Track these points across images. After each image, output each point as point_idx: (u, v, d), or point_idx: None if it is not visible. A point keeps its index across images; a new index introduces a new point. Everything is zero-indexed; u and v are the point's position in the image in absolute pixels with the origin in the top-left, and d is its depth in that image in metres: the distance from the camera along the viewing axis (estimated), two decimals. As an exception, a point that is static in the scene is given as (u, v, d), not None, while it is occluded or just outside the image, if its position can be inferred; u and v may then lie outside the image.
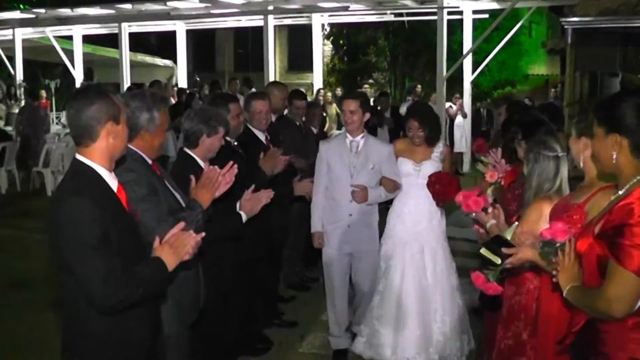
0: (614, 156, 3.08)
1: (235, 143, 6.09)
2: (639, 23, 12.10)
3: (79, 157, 3.37)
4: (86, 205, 3.18)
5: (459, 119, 18.82)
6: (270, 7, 17.99)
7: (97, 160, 3.36)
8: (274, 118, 7.64)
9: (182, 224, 3.57)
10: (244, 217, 4.89)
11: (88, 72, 23.67)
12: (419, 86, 19.92)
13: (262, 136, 6.79)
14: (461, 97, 18.72)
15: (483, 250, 3.59)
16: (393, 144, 6.78)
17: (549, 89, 22.68)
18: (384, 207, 6.89)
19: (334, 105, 17.81)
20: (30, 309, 7.97)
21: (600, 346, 3.09)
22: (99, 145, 3.34)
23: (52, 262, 3.36)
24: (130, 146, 4.01)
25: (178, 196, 4.40)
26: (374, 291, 6.47)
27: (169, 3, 18.42)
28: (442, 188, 6.03)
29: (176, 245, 3.46)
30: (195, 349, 4.86)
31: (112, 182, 3.42)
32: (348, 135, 6.39)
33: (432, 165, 6.41)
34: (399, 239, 6.46)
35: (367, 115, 6.41)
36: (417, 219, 6.45)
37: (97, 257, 3.16)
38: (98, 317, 3.30)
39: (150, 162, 4.28)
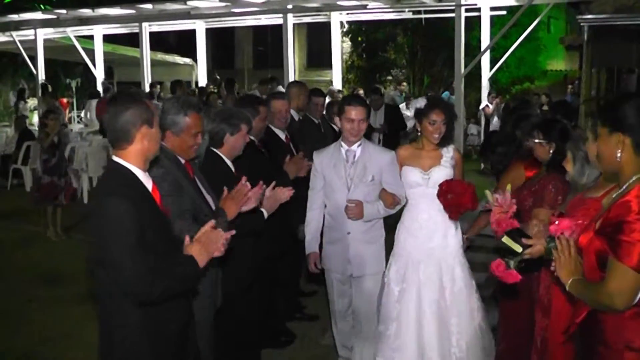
0: (618, 154, 3.25)
1: (257, 143, 6.24)
2: (655, 20, 12.14)
3: (115, 158, 3.57)
4: (124, 204, 3.36)
5: (495, 119, 18.32)
6: (290, 6, 18.14)
7: (132, 161, 3.55)
8: (297, 116, 7.81)
9: (212, 222, 3.75)
10: (265, 214, 5.03)
11: (108, 71, 23.91)
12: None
13: (282, 135, 6.95)
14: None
15: (505, 239, 3.79)
16: (395, 151, 5.90)
17: (568, 84, 22.73)
18: (394, 222, 6.08)
19: None
20: (58, 304, 8.19)
21: (600, 334, 3.27)
22: (134, 148, 3.54)
23: (91, 257, 3.55)
24: (164, 144, 4.23)
25: (209, 199, 4.63)
26: (373, 316, 5.88)
27: (189, 2, 18.56)
28: (455, 198, 5.44)
29: (206, 243, 3.65)
30: (219, 343, 5.05)
31: (147, 182, 3.62)
32: (343, 143, 5.73)
33: (442, 171, 5.71)
34: (411, 257, 5.77)
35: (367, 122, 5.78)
36: (430, 234, 5.74)
37: (135, 254, 3.35)
38: (134, 309, 3.49)
39: (183, 161, 4.50)
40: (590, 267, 3.30)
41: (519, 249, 3.73)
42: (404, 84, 22.66)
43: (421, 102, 5.76)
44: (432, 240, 5.73)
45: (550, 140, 5.21)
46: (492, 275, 3.90)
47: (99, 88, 21.64)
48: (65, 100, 23.30)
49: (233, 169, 5.21)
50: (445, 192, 5.47)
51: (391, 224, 6.02)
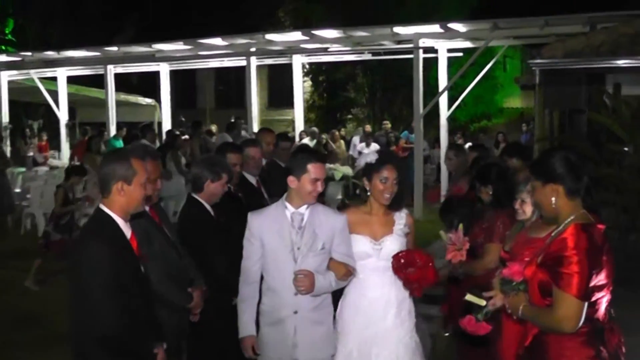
0: (553, 201, 3.80)
1: (233, 189, 6.51)
2: (601, 64, 12.77)
3: (101, 205, 3.97)
4: (102, 248, 3.77)
5: None
6: (253, 49, 18.59)
7: (114, 210, 3.95)
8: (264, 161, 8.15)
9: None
10: None
11: (70, 112, 24.05)
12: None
13: (253, 180, 7.26)
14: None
15: (468, 297, 4.12)
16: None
17: (523, 123, 23.39)
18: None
19: (342, 142, 18.57)
20: (37, 346, 8.26)
21: (545, 354, 3.76)
22: (112, 199, 3.94)
23: (69, 292, 3.93)
24: None
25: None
26: None
27: (154, 45, 18.96)
28: (418, 272, 4.65)
29: None
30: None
31: (127, 230, 4.00)
32: (288, 204, 4.80)
33: (396, 241, 4.91)
34: (360, 340, 4.89)
35: None
36: (383, 313, 4.90)
37: (106, 294, 3.73)
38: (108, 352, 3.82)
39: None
40: (534, 294, 3.79)
41: (482, 302, 4.08)
42: (368, 126, 23.14)
43: (371, 156, 4.98)
44: (386, 320, 4.90)
45: (488, 184, 5.91)
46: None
47: (62, 129, 21.81)
48: (43, 142, 23.44)
49: (212, 213, 5.54)
50: (405, 266, 4.66)
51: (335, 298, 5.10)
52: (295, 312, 4.73)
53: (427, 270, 4.62)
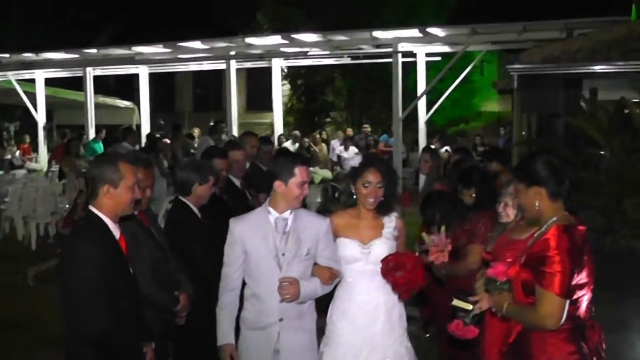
0: (537, 204, 3.94)
1: (218, 192, 6.59)
2: (578, 69, 12.99)
3: (91, 207, 4.04)
4: (91, 248, 3.85)
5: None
6: (233, 52, 18.66)
7: (103, 212, 4.02)
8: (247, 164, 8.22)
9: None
10: None
11: (48, 114, 23.96)
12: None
13: (237, 182, 7.35)
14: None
15: (455, 302, 4.21)
16: (329, 218, 4.99)
17: (500, 127, 23.59)
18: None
19: (324, 145, 18.64)
20: (24, 349, 8.22)
21: (528, 350, 3.90)
22: (100, 201, 4.02)
23: (59, 292, 3.99)
24: None
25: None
26: None
27: (133, 48, 18.96)
28: (407, 276, 4.57)
29: None
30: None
31: (115, 231, 4.08)
32: (272, 209, 4.70)
33: (384, 245, 4.85)
34: (348, 345, 4.84)
35: None
36: (372, 319, 4.85)
37: (93, 292, 3.81)
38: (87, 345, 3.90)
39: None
40: (517, 293, 3.92)
41: (469, 306, 4.18)
42: (349, 129, 23.26)
43: (356, 160, 5.03)
44: (375, 325, 4.85)
45: (471, 186, 6.06)
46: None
47: (40, 132, 21.73)
48: (26, 144, 23.33)
49: (200, 216, 5.63)
50: (393, 269, 4.60)
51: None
52: (281, 320, 4.64)
53: (415, 274, 4.55)
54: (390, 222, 4.93)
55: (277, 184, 4.63)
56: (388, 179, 4.88)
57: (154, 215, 5.47)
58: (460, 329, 4.20)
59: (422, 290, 4.77)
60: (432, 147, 13.92)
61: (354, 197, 4.92)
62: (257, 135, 8.90)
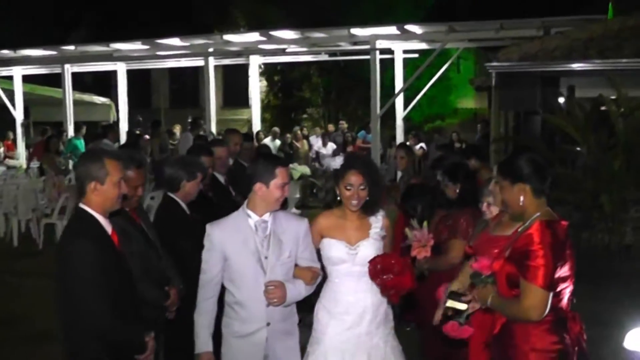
0: (521, 200, 4.07)
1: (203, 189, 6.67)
2: (555, 67, 13.16)
3: (80, 204, 4.10)
4: (86, 244, 3.92)
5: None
6: (211, 49, 18.70)
7: (93, 208, 4.08)
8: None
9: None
10: None
11: (25, 111, 23.76)
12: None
13: (222, 178, 7.43)
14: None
15: (449, 303, 4.31)
16: (315, 219, 4.96)
17: (477, 124, 23.79)
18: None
19: (305, 142, 18.72)
20: (19, 344, 8.16)
21: (511, 341, 4.04)
22: (89, 198, 4.07)
23: (55, 292, 4.05)
24: None
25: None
26: None
27: (111, 45, 18.90)
28: (395, 278, 4.47)
29: None
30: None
31: (107, 226, 4.14)
32: (251, 212, 4.62)
33: (372, 245, 4.79)
34: (334, 345, 4.80)
35: None
36: (358, 319, 4.79)
37: (93, 289, 3.88)
38: (99, 346, 3.98)
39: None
40: (501, 286, 4.06)
41: (463, 306, 4.28)
42: (330, 125, 23.34)
43: (337, 161, 5.06)
44: (361, 324, 4.80)
45: (457, 182, 6.18)
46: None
47: (18, 129, 21.60)
48: (10, 141, 23.16)
49: (188, 212, 5.71)
50: (381, 272, 4.50)
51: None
52: (268, 324, 4.59)
53: (404, 277, 4.46)
54: (377, 222, 4.86)
55: (258, 187, 4.55)
56: (371, 179, 4.77)
57: (144, 211, 5.53)
58: (455, 330, 4.32)
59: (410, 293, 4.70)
60: (407, 143, 14.06)
61: (338, 198, 4.85)
62: (240, 132, 8.98)
